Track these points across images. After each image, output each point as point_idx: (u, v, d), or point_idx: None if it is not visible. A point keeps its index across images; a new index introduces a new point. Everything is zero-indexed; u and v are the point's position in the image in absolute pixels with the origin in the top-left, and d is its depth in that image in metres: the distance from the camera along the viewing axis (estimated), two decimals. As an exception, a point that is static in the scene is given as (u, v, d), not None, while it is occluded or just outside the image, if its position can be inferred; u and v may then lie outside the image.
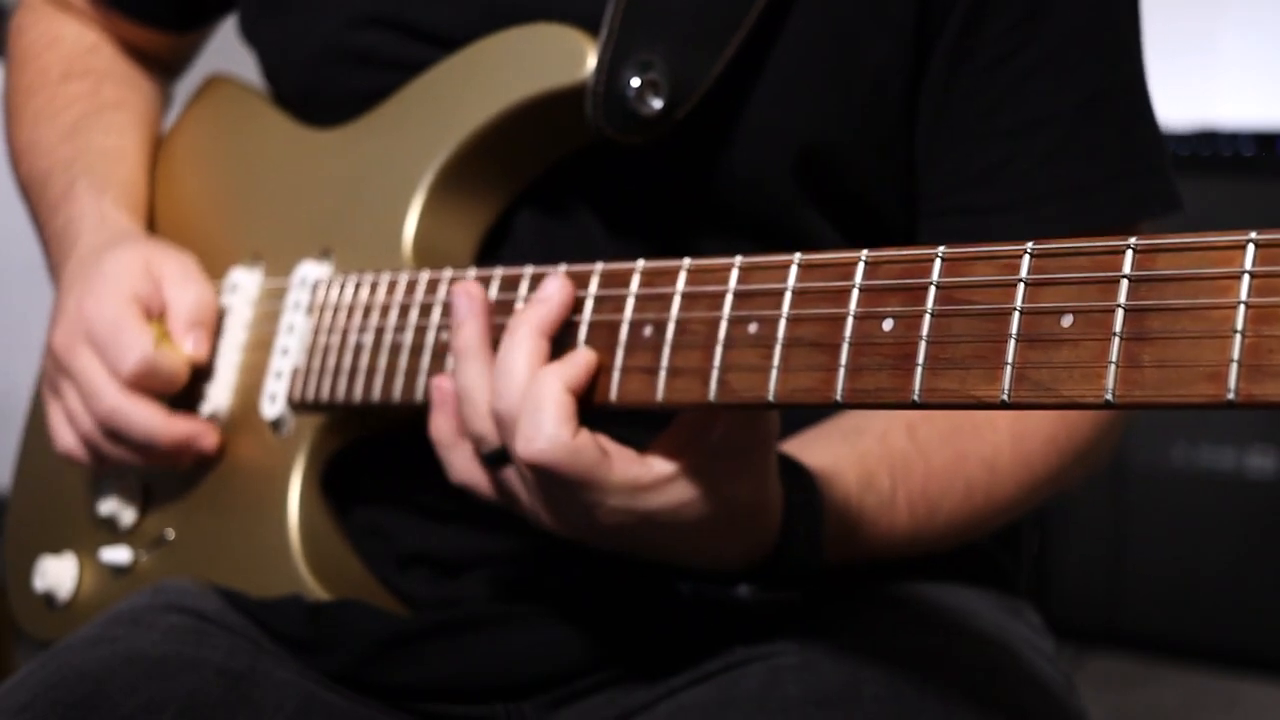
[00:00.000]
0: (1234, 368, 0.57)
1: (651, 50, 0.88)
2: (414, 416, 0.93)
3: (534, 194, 0.95)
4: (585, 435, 0.74)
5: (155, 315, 0.99)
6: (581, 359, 0.76)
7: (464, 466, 0.81)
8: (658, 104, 0.87)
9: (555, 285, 0.78)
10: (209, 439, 0.98)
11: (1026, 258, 0.64)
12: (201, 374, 1.01)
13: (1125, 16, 0.94)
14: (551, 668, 0.88)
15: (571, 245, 0.93)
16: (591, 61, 0.88)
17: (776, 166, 0.91)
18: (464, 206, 0.94)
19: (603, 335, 0.78)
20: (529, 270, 0.83)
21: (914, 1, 0.90)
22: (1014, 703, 0.83)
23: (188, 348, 0.99)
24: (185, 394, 1.00)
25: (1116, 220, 0.91)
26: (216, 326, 1.02)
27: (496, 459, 0.78)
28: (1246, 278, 0.57)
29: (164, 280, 1.00)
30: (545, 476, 0.75)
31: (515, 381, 0.75)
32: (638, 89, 0.87)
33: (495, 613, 0.90)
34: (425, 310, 0.88)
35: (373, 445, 0.97)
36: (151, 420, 0.96)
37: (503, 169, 0.94)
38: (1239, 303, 0.57)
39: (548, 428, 0.73)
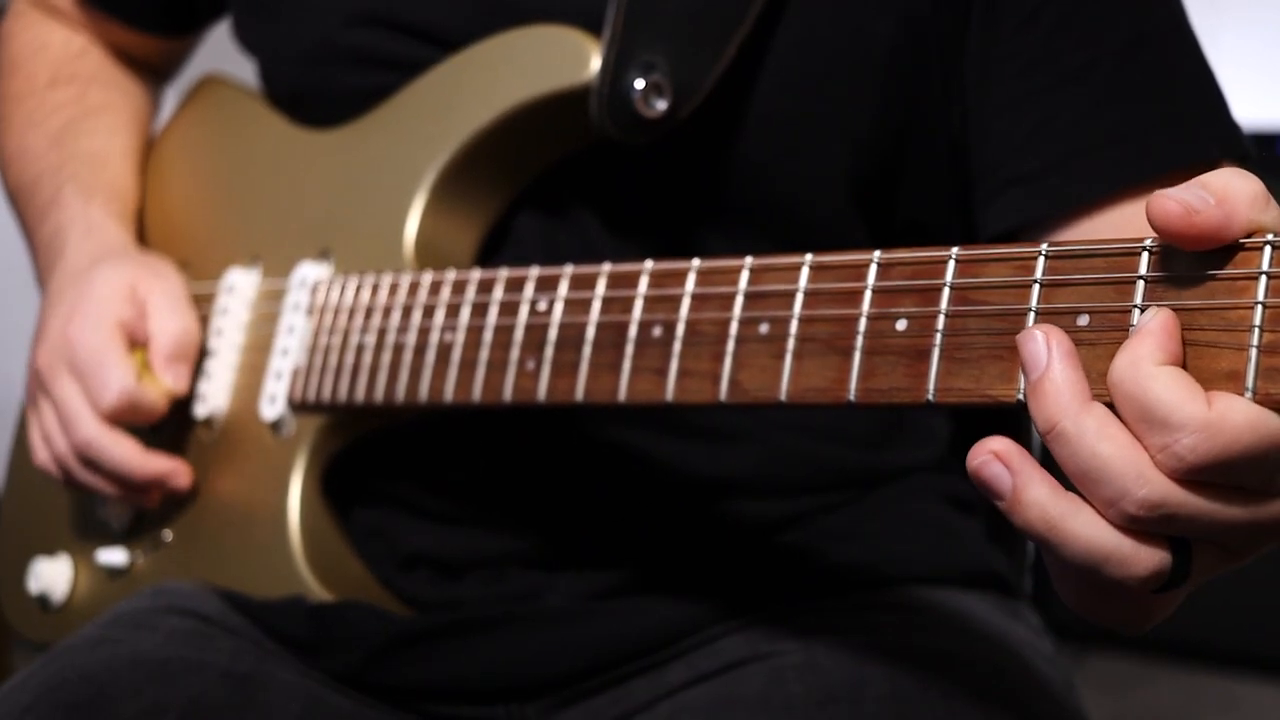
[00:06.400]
0: (1252, 368, 0.57)
1: (654, 51, 0.88)
2: (415, 417, 0.92)
3: (535, 194, 0.94)
4: (1221, 399, 0.55)
5: (140, 342, 0.99)
6: (1155, 323, 0.57)
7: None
8: (662, 105, 0.87)
9: (1039, 346, 0.58)
10: (182, 478, 0.98)
11: (1041, 259, 0.64)
12: (199, 376, 1.01)
13: None
14: (556, 670, 0.88)
15: (574, 245, 0.93)
16: (596, 63, 0.88)
17: (785, 160, 0.90)
18: (466, 207, 0.94)
19: (610, 335, 0.78)
20: (534, 271, 0.83)
21: None
22: (1015, 703, 0.83)
23: (168, 382, 0.98)
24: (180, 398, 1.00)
25: (1178, 162, 0.84)
26: (207, 333, 1.02)
27: (1178, 568, 0.58)
28: (1264, 278, 0.58)
29: (149, 307, 0.99)
30: (1228, 473, 0.55)
31: (1119, 481, 0.55)
32: (642, 90, 0.87)
33: (499, 614, 0.90)
34: (428, 311, 0.88)
35: (373, 447, 0.96)
36: (126, 455, 0.96)
37: (505, 169, 0.93)
38: (1256, 303, 0.58)
39: (1177, 418, 0.54)
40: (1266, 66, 2.44)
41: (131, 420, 0.97)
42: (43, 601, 1.05)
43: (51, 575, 1.04)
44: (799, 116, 0.90)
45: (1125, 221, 0.85)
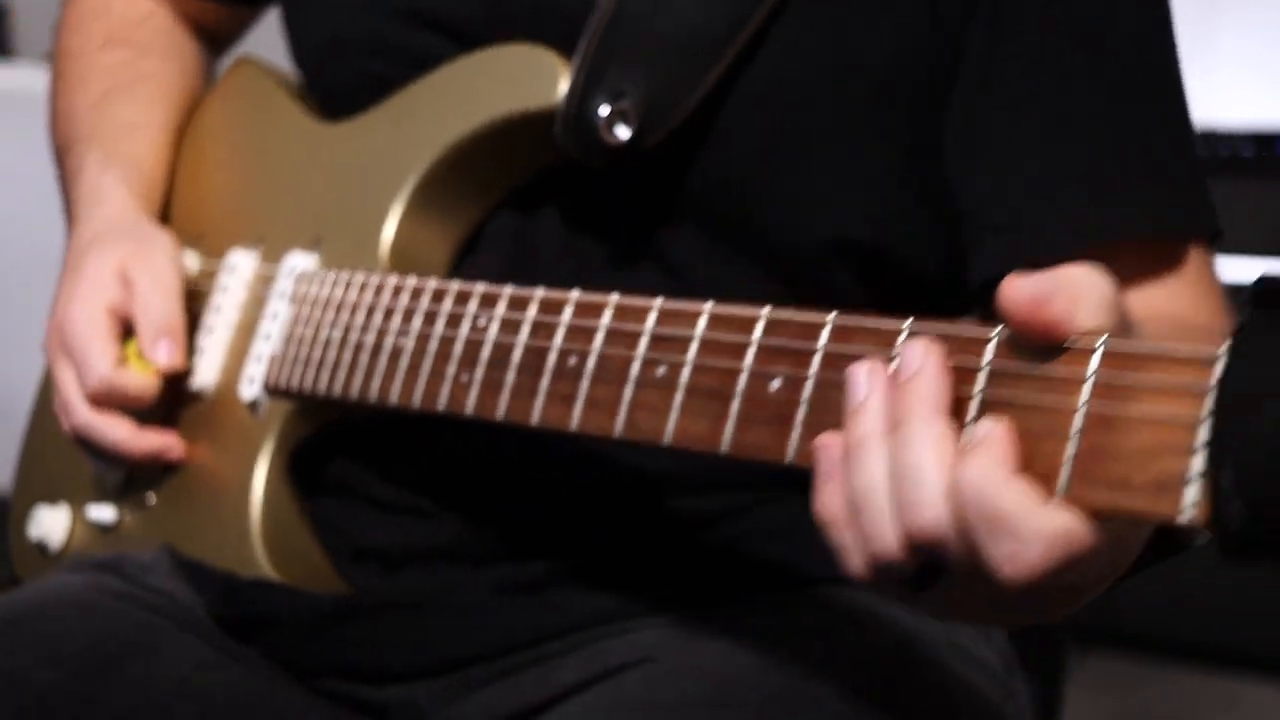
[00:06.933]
0: (1066, 470, 0.59)
1: (625, 78, 0.89)
2: (377, 412, 0.98)
3: (512, 195, 0.97)
4: (1062, 512, 0.58)
5: (131, 323, 1.04)
6: (999, 433, 0.60)
7: (861, 563, 0.64)
8: (625, 134, 0.88)
9: (920, 352, 0.62)
10: (176, 451, 1.04)
11: (904, 335, 0.66)
12: (193, 350, 1.06)
13: (1148, 21, 0.90)
14: (442, 655, 0.92)
15: (548, 251, 0.95)
16: (564, 85, 0.90)
17: (763, 183, 0.91)
18: (441, 216, 0.97)
19: (533, 359, 0.82)
20: (479, 287, 0.87)
21: (927, 6, 0.88)
22: (906, 702, 0.84)
23: (160, 359, 1.02)
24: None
25: (1148, 229, 0.87)
26: (206, 309, 1.07)
27: (921, 583, 0.63)
28: (1091, 382, 0.60)
29: (135, 288, 1.04)
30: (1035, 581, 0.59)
31: (929, 488, 0.60)
32: (606, 117, 0.89)
33: (403, 600, 0.94)
34: (387, 314, 0.92)
35: (331, 440, 1.00)
36: (118, 436, 1.02)
37: (479, 183, 0.97)
38: (1080, 406, 0.60)
39: (1028, 529, 0.57)
40: (1266, 66, 2.38)
41: (119, 404, 1.02)
42: (41, 548, 1.12)
43: (50, 523, 1.11)
44: (782, 139, 0.90)
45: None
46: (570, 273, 0.94)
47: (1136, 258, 0.88)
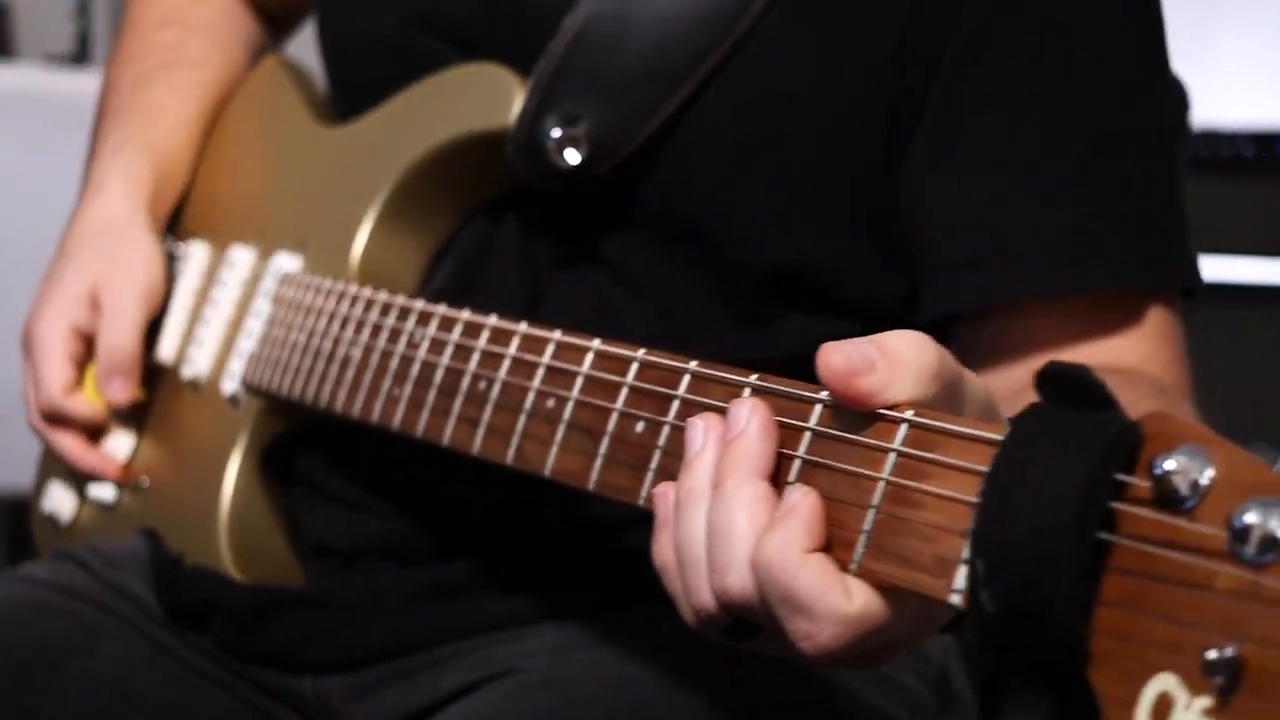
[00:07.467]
0: (863, 539, 0.60)
1: (581, 103, 0.90)
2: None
3: (486, 205, 0.99)
4: (858, 589, 0.59)
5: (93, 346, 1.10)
6: (805, 506, 0.60)
7: (686, 612, 0.65)
8: (575, 159, 0.90)
9: (745, 411, 0.63)
10: (111, 474, 1.12)
11: (748, 390, 0.68)
12: (190, 341, 1.12)
13: (1139, 55, 0.89)
14: (343, 650, 0.95)
15: (505, 256, 0.97)
16: (518, 107, 0.93)
17: (713, 208, 0.92)
18: (411, 229, 1.00)
19: (451, 381, 0.85)
20: (418, 305, 0.90)
21: (895, 36, 0.87)
22: (770, 713, 0.84)
23: (111, 397, 1.09)
24: (176, 355, 1.12)
25: (1106, 280, 0.87)
26: (205, 302, 1.12)
27: (737, 637, 0.65)
28: (894, 454, 0.61)
29: (101, 314, 1.09)
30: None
31: (737, 551, 0.61)
32: (557, 140, 0.90)
33: (327, 596, 0.98)
34: (343, 323, 0.96)
35: (301, 436, 1.03)
36: (66, 445, 1.10)
37: (447, 197, 0.99)
38: (881, 477, 0.61)
39: (821, 610, 0.59)
40: (1266, 66, 2.32)
41: (64, 425, 1.10)
42: (53, 521, 1.18)
43: (60, 498, 1.17)
44: (736, 166, 0.91)
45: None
46: (522, 278, 0.96)
47: (1093, 308, 0.88)
